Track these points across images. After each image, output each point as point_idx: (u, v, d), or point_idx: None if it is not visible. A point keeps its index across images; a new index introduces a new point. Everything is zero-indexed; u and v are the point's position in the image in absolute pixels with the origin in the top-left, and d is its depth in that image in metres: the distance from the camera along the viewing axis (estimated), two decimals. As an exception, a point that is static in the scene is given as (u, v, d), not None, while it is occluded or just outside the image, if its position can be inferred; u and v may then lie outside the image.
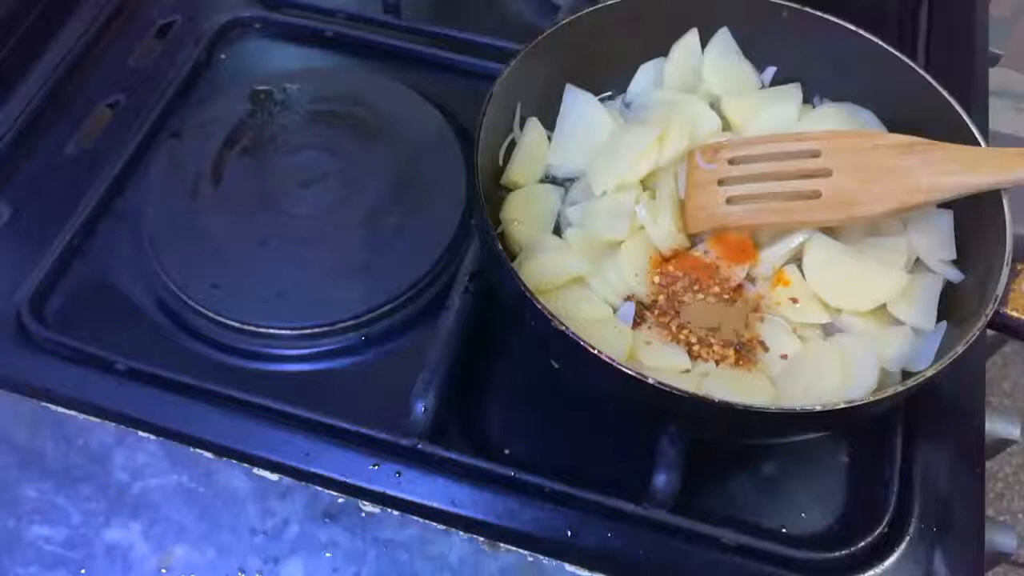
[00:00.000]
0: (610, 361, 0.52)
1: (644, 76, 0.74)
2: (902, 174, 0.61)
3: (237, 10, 0.87)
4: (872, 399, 0.55)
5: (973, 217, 0.63)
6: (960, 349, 0.55)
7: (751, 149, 0.67)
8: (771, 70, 0.74)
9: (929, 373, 0.55)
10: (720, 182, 0.66)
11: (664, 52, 0.73)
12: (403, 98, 0.80)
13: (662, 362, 0.61)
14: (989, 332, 0.59)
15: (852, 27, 0.69)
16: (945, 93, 0.65)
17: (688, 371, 0.61)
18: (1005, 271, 0.57)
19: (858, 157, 0.63)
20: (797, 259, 0.65)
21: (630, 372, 0.52)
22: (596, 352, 0.53)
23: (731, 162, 0.66)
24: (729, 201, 0.65)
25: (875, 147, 0.63)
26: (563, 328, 0.53)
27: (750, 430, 0.59)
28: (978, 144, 0.62)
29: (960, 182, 0.60)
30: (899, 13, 0.90)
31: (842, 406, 0.53)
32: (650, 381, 0.52)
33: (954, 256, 0.64)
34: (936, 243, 0.64)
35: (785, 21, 0.71)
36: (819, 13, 0.70)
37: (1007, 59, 0.92)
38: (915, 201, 0.61)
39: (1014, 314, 0.57)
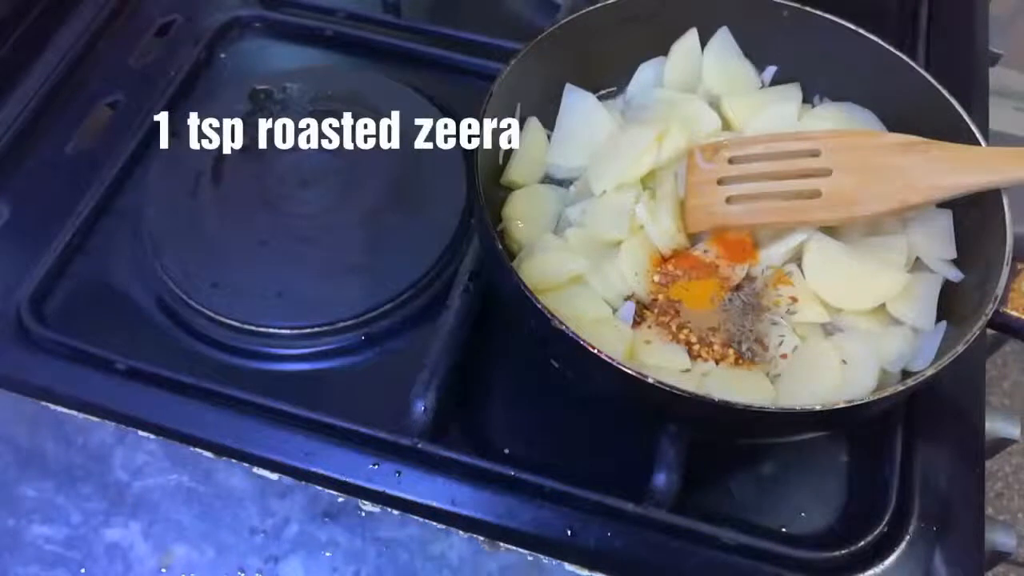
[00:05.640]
0: (610, 360, 0.52)
1: (644, 75, 0.74)
2: (902, 173, 0.61)
3: (237, 9, 0.87)
4: (872, 399, 0.55)
5: (973, 217, 0.63)
6: (960, 349, 0.55)
7: (751, 148, 0.67)
8: (771, 70, 0.74)
9: (929, 373, 0.55)
10: (720, 181, 0.66)
11: (664, 52, 0.73)
12: (403, 98, 0.80)
13: (662, 361, 0.61)
14: (989, 332, 0.59)
15: (852, 27, 0.69)
16: (945, 93, 0.65)
17: (688, 371, 0.61)
18: (1005, 271, 0.57)
19: (858, 156, 0.63)
20: (797, 259, 0.65)
21: (630, 371, 0.52)
22: (596, 351, 0.53)
23: (731, 161, 0.66)
24: (729, 200, 0.65)
25: (875, 147, 0.63)
26: (563, 328, 0.53)
27: (750, 430, 0.59)
28: (978, 144, 0.62)
29: (960, 182, 0.60)
30: (899, 13, 0.90)
31: (842, 406, 0.53)
32: (650, 380, 0.52)
33: (954, 256, 0.64)
34: (936, 243, 0.64)
35: (785, 21, 0.71)
36: (819, 13, 0.70)
37: (1007, 59, 0.92)
38: (915, 201, 0.61)
39: (1014, 314, 0.57)
